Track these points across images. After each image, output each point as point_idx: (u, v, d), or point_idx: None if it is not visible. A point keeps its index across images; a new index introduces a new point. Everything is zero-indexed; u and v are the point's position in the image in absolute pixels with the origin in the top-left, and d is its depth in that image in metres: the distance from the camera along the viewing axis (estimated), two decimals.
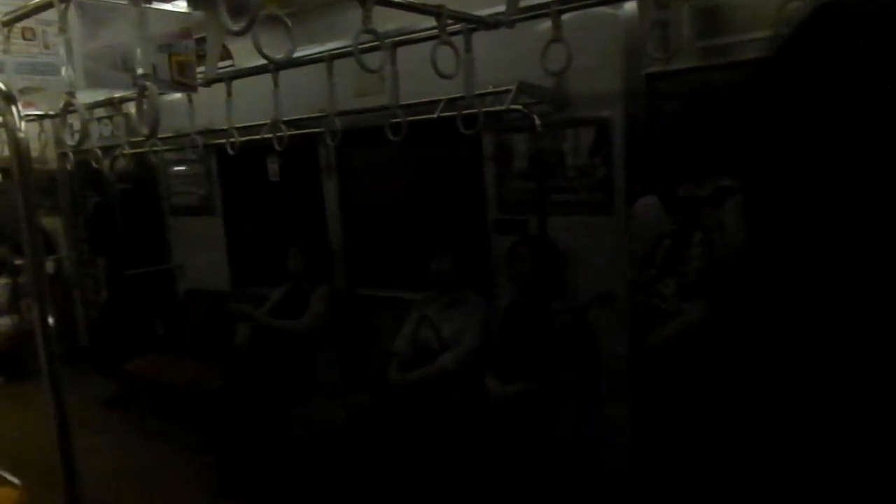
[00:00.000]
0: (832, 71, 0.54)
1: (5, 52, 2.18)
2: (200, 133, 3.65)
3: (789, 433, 0.57)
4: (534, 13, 2.37)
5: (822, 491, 0.56)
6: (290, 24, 1.70)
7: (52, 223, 5.97)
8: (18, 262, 5.59)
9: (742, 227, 2.19)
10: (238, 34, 1.55)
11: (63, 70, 1.87)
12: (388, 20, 2.22)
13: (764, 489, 0.59)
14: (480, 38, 2.43)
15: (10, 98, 1.73)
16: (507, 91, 3.08)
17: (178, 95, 3.24)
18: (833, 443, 0.55)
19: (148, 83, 1.69)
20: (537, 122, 3.16)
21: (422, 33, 2.46)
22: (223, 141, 3.40)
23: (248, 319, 3.95)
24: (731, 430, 0.62)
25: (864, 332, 0.54)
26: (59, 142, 5.26)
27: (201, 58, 3.02)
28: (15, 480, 2.20)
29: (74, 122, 2.26)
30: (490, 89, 3.12)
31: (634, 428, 2.89)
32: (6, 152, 1.88)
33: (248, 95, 3.20)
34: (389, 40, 2.28)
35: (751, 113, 0.63)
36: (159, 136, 3.69)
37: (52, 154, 5.67)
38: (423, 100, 3.17)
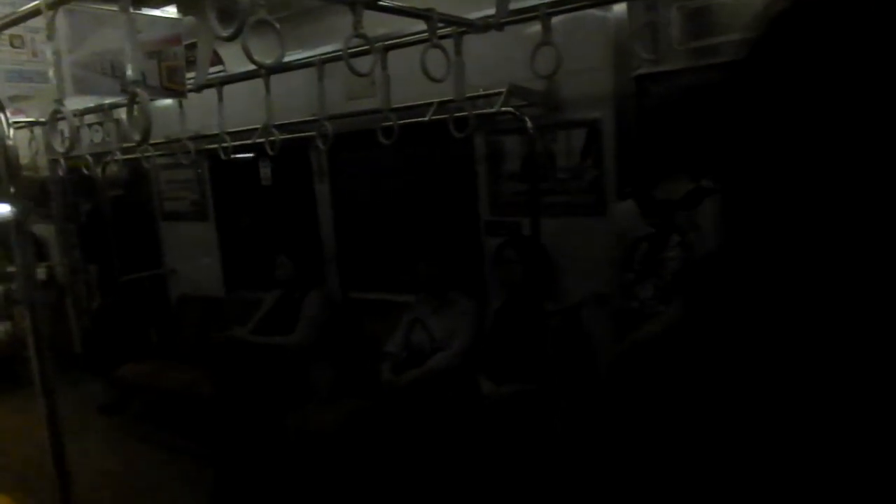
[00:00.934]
0: (808, 68, 0.54)
1: None
2: (192, 138, 3.64)
3: (770, 434, 0.57)
4: (523, 16, 2.38)
5: (805, 491, 0.56)
6: (279, 28, 1.70)
7: (44, 230, 5.94)
8: (10, 269, 5.56)
9: (718, 227, 2.20)
10: (228, 40, 1.55)
11: (51, 77, 1.87)
12: (379, 24, 2.23)
13: (745, 488, 0.59)
14: (471, 42, 2.44)
15: None
16: (498, 94, 3.09)
17: (169, 101, 3.24)
18: (816, 442, 0.55)
19: (138, 90, 1.69)
20: (529, 124, 3.18)
21: (412, 37, 2.47)
22: (215, 146, 3.40)
23: (240, 343, 3.95)
24: (707, 434, 0.62)
25: (848, 333, 0.54)
26: (49, 149, 5.25)
27: (192, 63, 3.02)
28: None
29: (65, 128, 2.26)
30: (481, 92, 3.13)
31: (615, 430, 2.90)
32: None
33: (240, 100, 3.21)
34: (380, 44, 2.29)
35: (727, 112, 0.63)
36: (151, 141, 3.68)
37: (42, 161, 5.65)
38: (414, 103, 3.18)
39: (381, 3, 2.03)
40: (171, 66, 2.36)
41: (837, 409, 0.53)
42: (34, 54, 2.24)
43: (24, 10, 1.95)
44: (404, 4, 2.17)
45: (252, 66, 1.81)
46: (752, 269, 0.59)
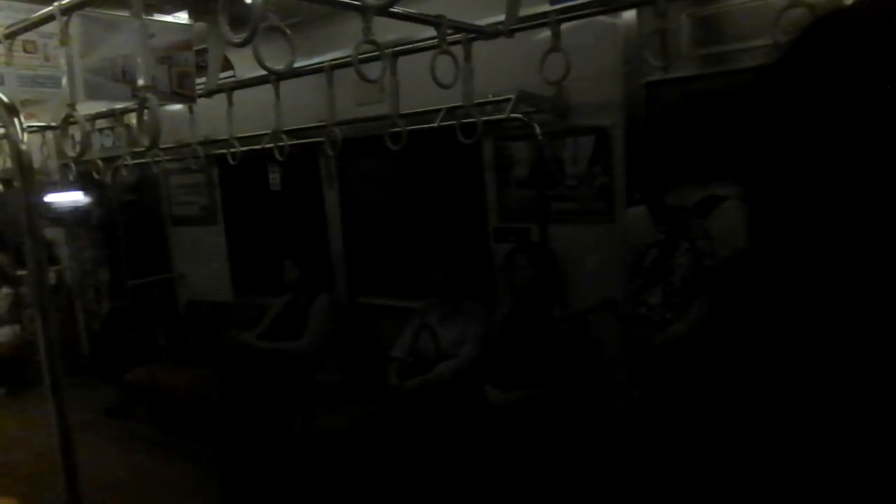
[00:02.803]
0: (833, 81, 0.54)
1: (7, 64, 2.19)
2: (201, 143, 3.66)
3: (789, 440, 0.57)
4: (533, 23, 2.38)
5: (825, 491, 0.56)
6: (290, 34, 1.71)
7: (54, 234, 5.97)
8: (20, 272, 5.59)
9: (731, 235, 2.20)
10: (239, 46, 1.56)
11: (64, 82, 1.88)
12: (389, 30, 2.23)
13: (764, 488, 0.59)
14: (480, 48, 2.44)
15: (12, 110, 1.74)
16: (507, 100, 3.09)
17: (179, 106, 3.25)
18: (836, 443, 0.55)
19: (149, 95, 1.70)
20: (537, 130, 3.18)
21: (422, 43, 2.47)
22: (224, 151, 3.41)
23: (245, 347, 3.96)
24: (728, 437, 0.62)
25: (865, 338, 0.54)
26: (61, 153, 5.28)
27: (203, 69, 3.04)
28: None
29: (76, 133, 2.28)
30: (490, 98, 3.14)
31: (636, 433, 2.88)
32: (9, 164, 1.89)
33: (250, 105, 3.21)
34: (389, 50, 2.29)
35: (749, 121, 0.63)
36: (161, 146, 3.70)
37: (54, 165, 5.68)
38: (423, 109, 3.19)
39: (391, 9, 2.03)
40: (182, 72, 2.37)
41: (862, 407, 0.53)
42: (46, 59, 2.26)
43: (37, 16, 1.97)
44: (414, 11, 2.18)
45: (262, 72, 1.82)
46: (778, 271, 0.59)
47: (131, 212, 5.57)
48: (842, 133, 0.52)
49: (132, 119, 4.14)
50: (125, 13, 1.97)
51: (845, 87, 0.53)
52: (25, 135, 1.68)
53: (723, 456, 0.62)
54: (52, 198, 5.79)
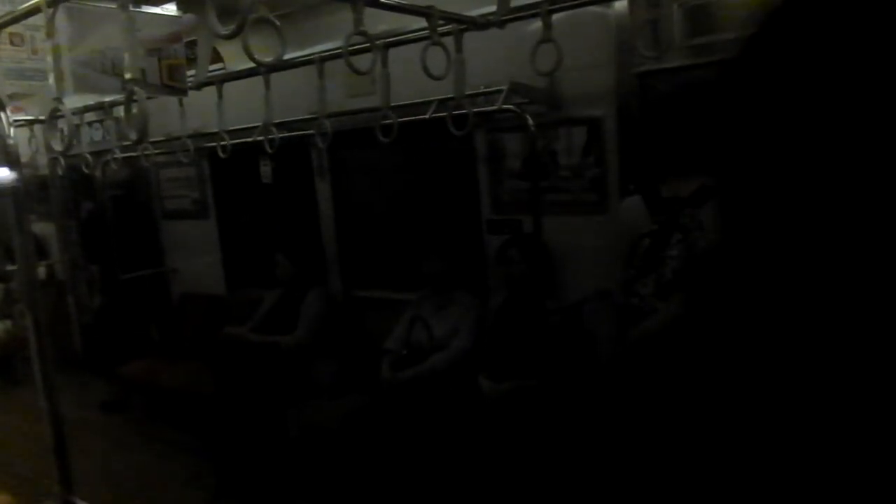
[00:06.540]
0: (801, 65, 0.54)
1: None
2: (192, 136, 3.63)
3: (769, 430, 0.57)
4: (524, 13, 2.37)
5: (806, 487, 0.56)
6: (279, 25, 1.69)
7: (44, 228, 5.94)
8: (10, 267, 5.55)
9: (717, 223, 2.18)
10: (227, 38, 1.54)
11: (50, 75, 1.86)
12: (379, 21, 2.22)
13: (749, 485, 0.59)
14: (472, 39, 2.43)
15: None
16: (499, 91, 3.08)
17: (168, 99, 3.23)
18: (817, 438, 0.55)
19: (136, 88, 1.68)
20: (530, 121, 3.17)
21: (413, 34, 2.46)
22: (215, 144, 3.39)
23: (240, 341, 3.95)
24: (708, 430, 0.62)
25: (845, 329, 0.54)
26: (48, 147, 5.23)
27: (192, 61, 3.01)
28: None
29: (65, 126, 2.26)
30: (482, 89, 3.12)
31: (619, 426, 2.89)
32: None
33: (240, 98, 3.20)
34: (380, 42, 2.28)
35: (720, 109, 0.63)
36: (150, 139, 3.68)
37: (42, 159, 5.63)
38: (416, 101, 3.17)
39: (381, 0, 2.02)
40: (172, 64, 2.35)
41: (835, 404, 0.53)
42: (34, 52, 2.23)
43: (23, 8, 1.94)
44: (405, 2, 2.16)
45: (252, 64, 1.80)
46: (750, 265, 0.58)
47: (122, 206, 5.54)
48: (808, 123, 0.52)
49: (121, 112, 4.12)
50: (112, 5, 1.95)
51: (809, 75, 0.52)
52: (12, 129, 1.67)
53: (700, 452, 0.62)
54: (40, 192, 5.75)
